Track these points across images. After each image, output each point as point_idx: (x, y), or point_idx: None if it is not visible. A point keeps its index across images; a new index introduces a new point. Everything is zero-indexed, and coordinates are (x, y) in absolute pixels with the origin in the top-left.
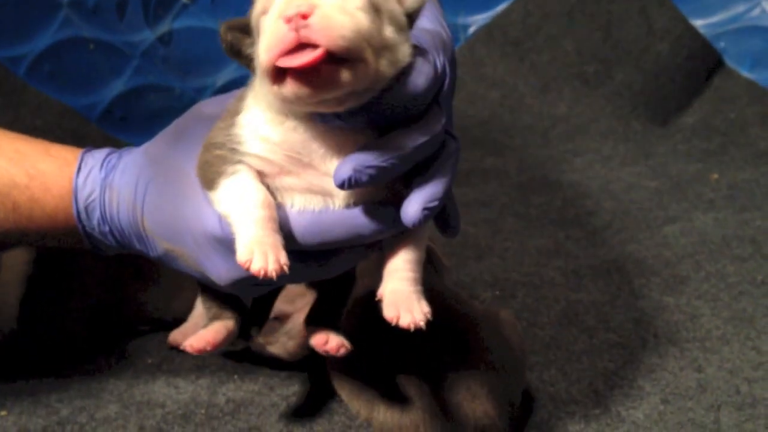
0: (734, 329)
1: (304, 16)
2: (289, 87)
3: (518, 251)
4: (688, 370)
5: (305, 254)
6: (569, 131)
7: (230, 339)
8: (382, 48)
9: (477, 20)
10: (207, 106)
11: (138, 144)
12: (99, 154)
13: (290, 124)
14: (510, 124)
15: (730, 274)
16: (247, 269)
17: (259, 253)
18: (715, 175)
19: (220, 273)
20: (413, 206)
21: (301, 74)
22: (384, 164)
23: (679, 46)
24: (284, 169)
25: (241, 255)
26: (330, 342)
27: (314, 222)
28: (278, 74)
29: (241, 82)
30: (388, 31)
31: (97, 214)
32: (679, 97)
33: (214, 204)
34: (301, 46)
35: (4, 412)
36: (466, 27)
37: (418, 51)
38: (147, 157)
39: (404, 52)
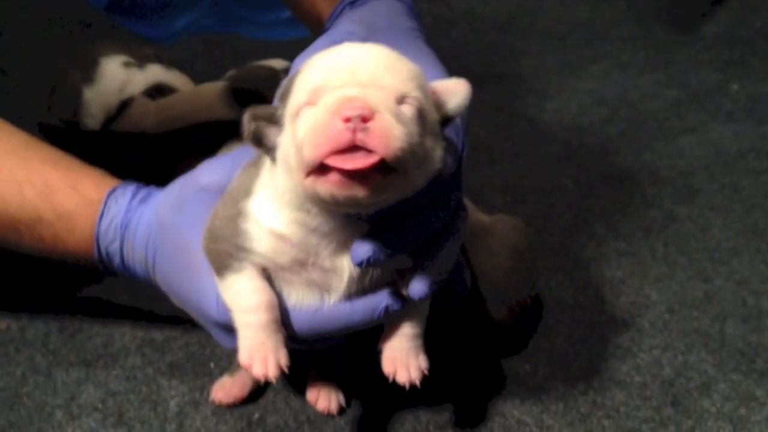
0: (745, 242)
1: (365, 119)
2: (330, 185)
3: (530, 157)
4: (695, 280)
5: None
6: (588, 36)
7: (256, 387)
8: (422, 160)
9: None
10: (205, 174)
11: (145, 35)
12: (122, 198)
13: (304, 220)
14: (527, 27)
15: (744, 187)
16: (249, 373)
17: (259, 358)
18: (736, 86)
19: (224, 344)
20: (421, 284)
21: (348, 176)
22: (401, 246)
23: None
24: (287, 269)
25: (243, 359)
26: (320, 401)
27: (311, 319)
28: (320, 169)
29: None
30: (429, 141)
31: (117, 260)
32: (703, 4)
33: (221, 291)
34: (352, 148)
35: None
36: None
37: (445, 146)
38: (156, 220)
39: (436, 159)
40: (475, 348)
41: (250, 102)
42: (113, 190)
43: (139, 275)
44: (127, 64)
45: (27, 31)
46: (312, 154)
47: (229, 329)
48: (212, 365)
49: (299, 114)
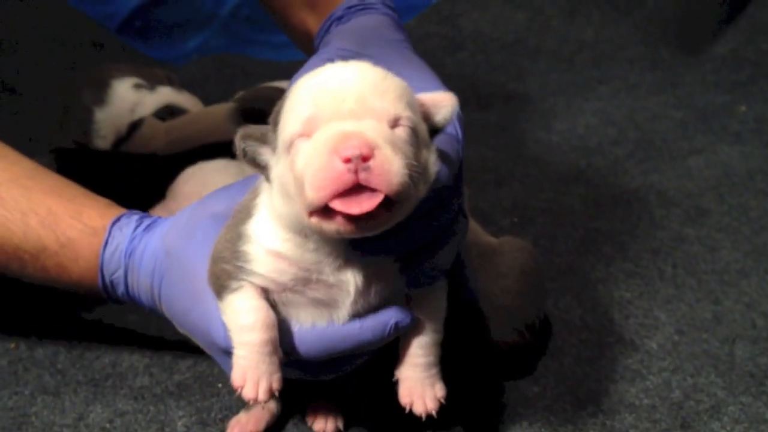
0: (754, 263)
1: (365, 159)
2: (336, 225)
3: (538, 178)
4: (704, 302)
5: (308, 363)
6: (595, 57)
7: (273, 420)
8: (420, 176)
9: None
10: (216, 202)
11: (156, 56)
12: (127, 228)
13: (303, 243)
14: (535, 48)
15: (753, 208)
16: (239, 393)
17: (251, 381)
18: (743, 107)
19: (228, 370)
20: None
21: (354, 217)
22: (403, 247)
23: None
24: (289, 287)
25: (235, 380)
26: (317, 423)
27: (320, 339)
28: (325, 210)
29: None
30: (423, 155)
31: (121, 288)
32: (710, 26)
33: (222, 313)
34: (355, 187)
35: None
36: None
37: (439, 154)
38: (164, 247)
39: (433, 167)
40: (480, 369)
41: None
42: (117, 219)
43: (144, 303)
44: (138, 86)
45: (39, 51)
46: (315, 197)
47: None
48: (220, 386)
49: (294, 144)
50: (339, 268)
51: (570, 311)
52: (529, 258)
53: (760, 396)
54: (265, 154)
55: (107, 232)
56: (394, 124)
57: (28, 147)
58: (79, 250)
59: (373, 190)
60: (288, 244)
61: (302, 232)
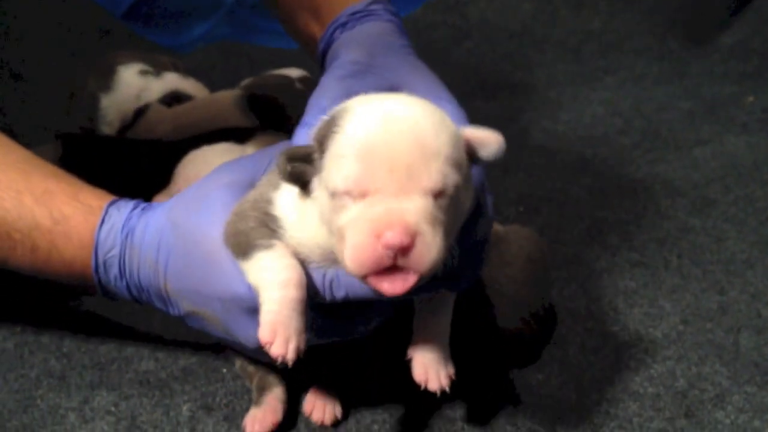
0: (759, 253)
1: (406, 249)
2: (368, 284)
3: (544, 167)
4: (710, 292)
5: (332, 312)
6: (602, 47)
7: (285, 409)
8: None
9: None
10: (229, 172)
11: (162, 44)
12: (124, 208)
13: (331, 254)
14: (541, 38)
15: (759, 199)
16: (266, 349)
17: (281, 337)
18: (751, 98)
19: (248, 336)
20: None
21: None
22: None
23: None
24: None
25: (264, 335)
26: (315, 413)
27: (339, 278)
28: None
29: None
30: (462, 195)
31: (114, 270)
32: (718, 16)
33: (245, 273)
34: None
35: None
36: None
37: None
38: (169, 221)
39: (467, 207)
40: (486, 356)
41: (265, 109)
42: (114, 201)
43: (143, 286)
44: (143, 73)
45: (45, 38)
46: (354, 269)
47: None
48: (225, 371)
49: (339, 197)
50: None
51: (575, 300)
52: (535, 247)
53: (764, 385)
54: (308, 172)
55: (104, 211)
56: (440, 194)
57: (34, 133)
58: (73, 227)
59: (408, 272)
60: (311, 229)
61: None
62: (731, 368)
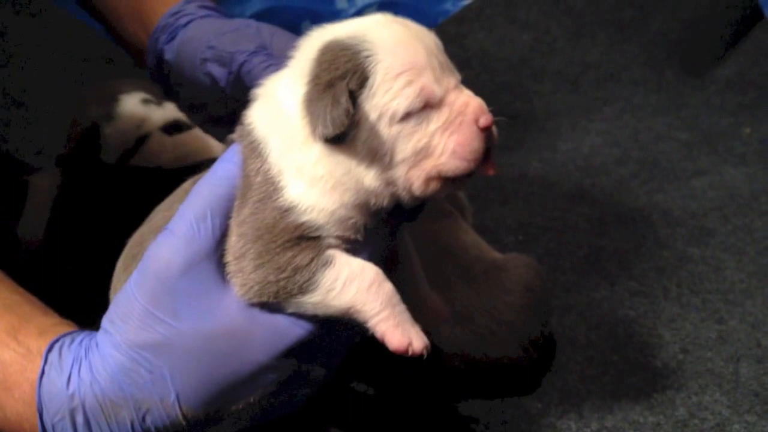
0: (758, 283)
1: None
2: (435, 186)
3: (542, 196)
4: (709, 321)
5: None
6: (600, 78)
7: None
8: None
9: None
10: (178, 255)
11: None
12: (66, 353)
13: (353, 207)
14: (540, 69)
15: (758, 229)
16: (408, 353)
17: (414, 333)
18: (748, 130)
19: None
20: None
21: (456, 180)
22: None
23: None
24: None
25: (396, 341)
26: None
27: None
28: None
29: None
30: None
31: None
32: (715, 49)
33: (308, 307)
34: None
35: None
36: None
37: None
38: (133, 348)
39: None
40: (485, 386)
41: None
42: (58, 339)
43: None
44: (145, 101)
45: (48, 66)
46: (469, 161)
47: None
48: None
49: (416, 116)
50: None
51: (574, 329)
52: (534, 275)
53: (764, 415)
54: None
55: (43, 358)
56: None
57: (35, 160)
58: (10, 379)
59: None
60: (336, 203)
61: (358, 197)
62: (731, 397)
